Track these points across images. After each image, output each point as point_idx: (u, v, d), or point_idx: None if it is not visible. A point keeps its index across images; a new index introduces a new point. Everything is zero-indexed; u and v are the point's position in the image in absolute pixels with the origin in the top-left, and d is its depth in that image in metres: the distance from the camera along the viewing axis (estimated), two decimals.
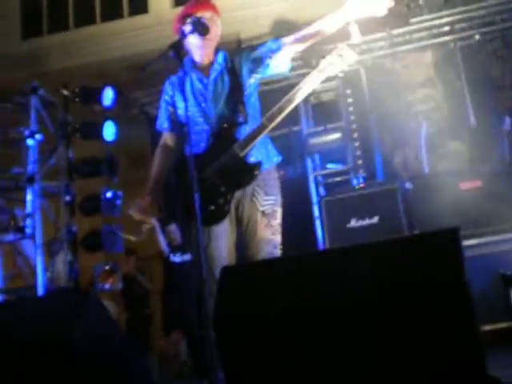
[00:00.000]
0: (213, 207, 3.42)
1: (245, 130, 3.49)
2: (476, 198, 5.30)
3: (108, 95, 6.95)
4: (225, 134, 3.51)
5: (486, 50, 7.21)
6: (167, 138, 3.82)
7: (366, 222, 5.57)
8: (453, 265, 2.29)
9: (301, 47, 3.57)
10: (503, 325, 4.80)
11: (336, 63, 3.42)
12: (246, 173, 3.47)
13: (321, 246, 6.27)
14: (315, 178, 7.23)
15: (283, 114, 3.46)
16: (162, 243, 3.64)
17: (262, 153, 3.57)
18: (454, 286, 2.23)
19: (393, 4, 3.26)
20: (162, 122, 3.80)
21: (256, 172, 3.45)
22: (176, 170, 3.64)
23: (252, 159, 3.48)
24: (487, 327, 4.67)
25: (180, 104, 3.62)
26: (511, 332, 4.72)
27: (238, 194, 3.50)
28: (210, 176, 3.41)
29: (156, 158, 3.81)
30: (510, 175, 5.35)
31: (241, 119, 3.49)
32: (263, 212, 3.50)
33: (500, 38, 7.19)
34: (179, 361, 7.22)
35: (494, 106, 6.81)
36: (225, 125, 3.51)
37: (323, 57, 3.45)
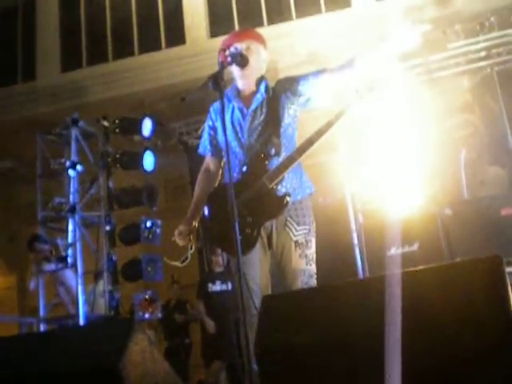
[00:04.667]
0: (240, 237, 3.43)
1: (277, 162, 3.50)
2: None
3: (147, 126, 7.06)
4: (257, 165, 3.52)
5: None
6: (209, 162, 3.85)
7: (406, 249, 5.53)
8: (497, 293, 2.25)
9: (342, 81, 3.58)
10: None
11: (366, 96, 3.44)
12: (274, 204, 3.46)
13: (360, 274, 6.23)
14: (354, 206, 7.19)
15: (313, 147, 3.47)
16: None
17: (295, 183, 3.57)
18: (499, 315, 2.20)
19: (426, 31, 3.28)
20: (205, 146, 3.83)
21: (286, 203, 3.45)
22: (210, 198, 3.67)
23: (283, 190, 3.49)
24: None
25: (220, 131, 3.65)
26: None
27: (268, 224, 3.50)
28: (237, 206, 3.42)
29: (198, 182, 3.85)
30: None
31: (272, 151, 3.50)
32: (296, 242, 3.49)
33: None
34: None
35: None
36: (261, 155, 3.53)
37: (356, 91, 3.46)
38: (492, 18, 7.16)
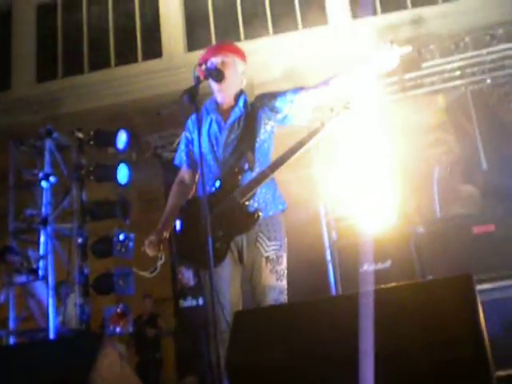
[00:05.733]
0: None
1: (251, 177, 3.50)
2: (489, 243, 5.28)
3: (122, 138, 7.02)
4: (230, 180, 3.51)
5: (498, 94, 7.25)
6: (184, 173, 3.84)
7: (379, 266, 5.56)
8: (467, 311, 2.27)
9: (318, 99, 3.60)
10: None
11: (341, 114, 3.47)
12: (246, 219, 3.45)
13: (333, 290, 6.24)
14: (327, 222, 7.22)
15: (284, 164, 3.48)
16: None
17: (267, 199, 3.57)
18: (469, 332, 2.21)
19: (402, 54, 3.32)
20: (181, 158, 3.82)
21: (257, 218, 3.44)
22: (182, 211, 3.65)
23: (255, 205, 3.49)
24: (501, 373, 4.61)
25: (196, 143, 3.64)
26: None
27: (239, 239, 3.49)
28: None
29: (172, 193, 3.84)
30: None
31: (246, 166, 3.50)
32: (267, 258, 3.48)
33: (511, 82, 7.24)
34: None
35: (506, 149, 6.81)
36: (234, 170, 3.52)
37: (331, 109, 3.49)
38: (466, 38, 7.25)
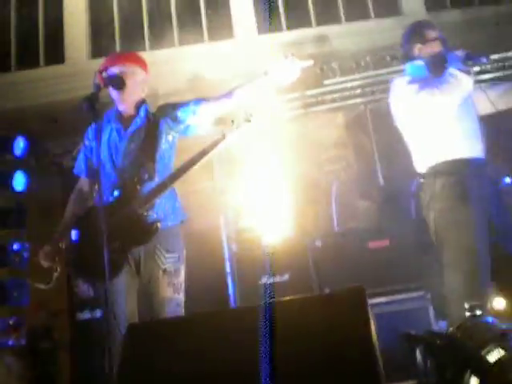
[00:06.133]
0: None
1: (150, 187, 3.48)
2: (384, 257, 5.43)
3: (19, 145, 6.84)
4: (129, 189, 3.49)
5: None
6: (83, 182, 3.79)
7: (277, 279, 5.61)
8: (359, 321, 2.33)
9: (221, 112, 3.63)
10: None
11: (242, 127, 3.50)
12: (144, 230, 3.44)
13: (232, 303, 6.25)
14: (228, 234, 7.23)
15: (184, 174, 3.49)
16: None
17: (167, 210, 3.56)
18: (359, 341, 2.27)
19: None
20: (80, 167, 3.77)
21: (156, 229, 3.42)
22: (79, 221, 3.59)
23: (154, 216, 3.47)
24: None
25: (95, 152, 3.59)
26: None
27: (136, 250, 3.47)
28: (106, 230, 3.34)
29: (69, 201, 3.78)
30: (416, 235, 5.51)
31: (146, 176, 3.48)
32: (165, 270, 3.47)
33: None
34: None
35: (402, 166, 7.02)
36: (134, 179, 3.49)
37: (232, 121, 3.52)
38: (368, 58, 7.45)
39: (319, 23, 9.38)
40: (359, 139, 7.40)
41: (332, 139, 7.32)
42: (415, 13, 8.37)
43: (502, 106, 4.12)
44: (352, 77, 7.46)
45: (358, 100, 7.48)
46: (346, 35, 8.82)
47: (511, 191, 6.12)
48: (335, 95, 7.44)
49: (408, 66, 4.20)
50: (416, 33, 4.23)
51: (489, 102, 4.03)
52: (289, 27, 9.40)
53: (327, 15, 9.28)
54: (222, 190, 7.24)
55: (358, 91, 7.46)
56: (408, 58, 4.23)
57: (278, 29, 9.30)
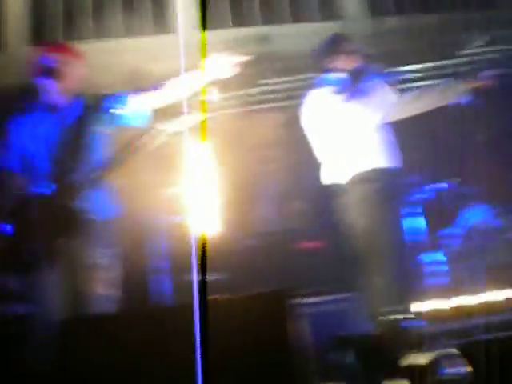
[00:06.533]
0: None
1: (84, 179, 3.46)
2: (316, 258, 5.49)
3: None
4: (63, 182, 3.46)
5: None
6: (16, 176, 3.74)
7: (210, 277, 5.60)
8: (280, 322, 2.38)
9: (157, 105, 3.63)
10: None
11: (178, 121, 3.51)
12: (76, 223, 3.41)
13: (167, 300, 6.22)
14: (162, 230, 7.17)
15: (120, 167, 3.48)
16: None
17: (100, 203, 3.54)
18: (281, 339, 2.32)
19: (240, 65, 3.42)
20: (12, 160, 3.71)
21: (88, 222, 3.40)
22: (13, 214, 3.53)
23: (87, 208, 3.45)
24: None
25: (27, 144, 3.56)
26: None
27: (68, 243, 3.43)
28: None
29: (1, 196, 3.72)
30: (347, 236, 5.60)
31: (78, 168, 3.46)
32: (97, 265, 3.46)
33: None
34: None
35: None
36: (68, 171, 3.46)
37: (168, 115, 3.52)
38: (308, 60, 7.52)
39: (264, 22, 9.42)
40: (296, 140, 7.46)
41: (270, 139, 7.36)
42: (359, 17, 8.48)
43: (411, 111, 4.21)
44: (292, 78, 7.51)
45: (298, 101, 7.53)
46: (289, 36, 8.88)
47: (450, 195, 6.27)
48: (275, 95, 7.48)
49: (327, 78, 4.25)
50: (335, 45, 4.29)
51: (401, 108, 4.13)
52: (232, 25, 9.41)
53: (272, 15, 9.33)
54: (159, 184, 7.19)
55: (298, 92, 7.51)
56: (325, 69, 4.28)
57: (222, 26, 9.29)
